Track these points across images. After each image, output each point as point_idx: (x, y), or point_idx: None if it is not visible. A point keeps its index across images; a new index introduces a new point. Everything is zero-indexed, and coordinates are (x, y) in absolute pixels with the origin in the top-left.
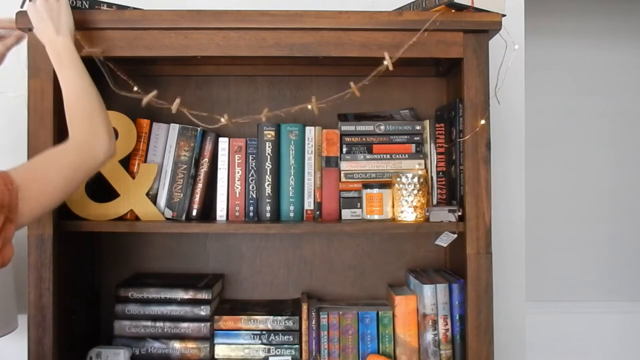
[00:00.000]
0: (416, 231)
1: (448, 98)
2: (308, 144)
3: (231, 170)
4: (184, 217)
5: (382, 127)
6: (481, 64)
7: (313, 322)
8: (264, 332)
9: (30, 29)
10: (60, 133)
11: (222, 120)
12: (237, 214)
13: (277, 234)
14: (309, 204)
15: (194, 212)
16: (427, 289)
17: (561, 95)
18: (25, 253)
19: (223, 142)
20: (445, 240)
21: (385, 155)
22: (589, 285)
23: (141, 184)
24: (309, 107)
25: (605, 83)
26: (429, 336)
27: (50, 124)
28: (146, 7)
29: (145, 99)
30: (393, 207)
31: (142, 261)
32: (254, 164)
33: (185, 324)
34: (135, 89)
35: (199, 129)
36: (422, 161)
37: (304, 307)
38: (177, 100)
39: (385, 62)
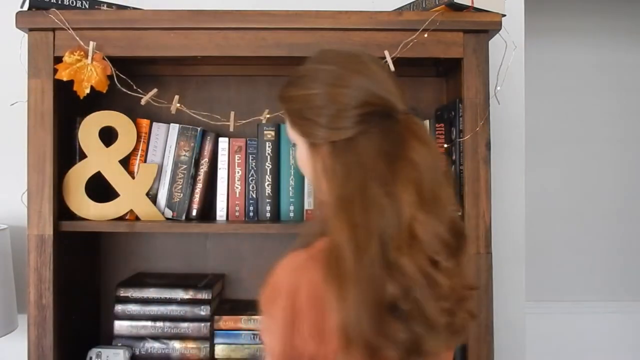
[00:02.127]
0: None
1: (448, 98)
2: None
3: (231, 170)
4: (184, 217)
5: None
6: (481, 64)
7: None
8: None
9: (30, 29)
10: (60, 133)
11: (230, 120)
12: (237, 214)
13: (277, 234)
14: (309, 204)
15: (194, 212)
16: None
17: (561, 95)
18: (25, 253)
19: (223, 142)
20: None
21: None
22: (589, 285)
23: (141, 184)
24: None
25: (605, 83)
26: None
27: (50, 124)
28: (146, 7)
29: (145, 98)
30: None
31: (142, 261)
32: (254, 164)
33: (185, 324)
34: (135, 87)
35: (198, 129)
36: None
37: None
38: (176, 98)
39: (385, 62)
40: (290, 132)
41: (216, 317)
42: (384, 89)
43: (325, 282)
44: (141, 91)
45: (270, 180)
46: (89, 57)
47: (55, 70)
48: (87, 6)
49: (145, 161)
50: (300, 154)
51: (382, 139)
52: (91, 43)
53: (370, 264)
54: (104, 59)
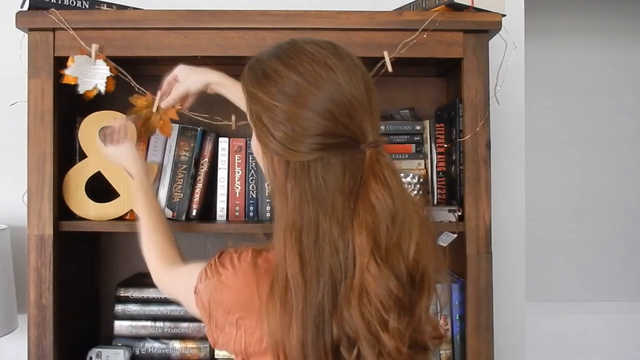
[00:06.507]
0: None
1: (448, 98)
2: None
3: (231, 170)
4: (184, 217)
5: (382, 127)
6: (481, 64)
7: None
8: None
9: (30, 29)
10: (60, 133)
11: (232, 120)
12: (237, 214)
13: None
14: None
15: (194, 212)
16: None
17: (561, 95)
18: (25, 253)
19: (223, 142)
20: (445, 240)
21: None
22: (589, 285)
23: None
24: None
25: (605, 83)
26: None
27: (50, 124)
28: (146, 7)
29: (156, 104)
30: None
31: (142, 261)
32: (254, 164)
33: (185, 324)
34: (134, 86)
35: (199, 129)
36: (422, 161)
37: None
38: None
39: (385, 63)
40: (249, 121)
41: None
42: (352, 112)
43: (271, 302)
44: (141, 91)
45: None
46: (92, 58)
47: (56, 73)
48: (87, 6)
49: (145, 161)
50: (255, 146)
51: (342, 171)
52: (94, 45)
53: (317, 306)
54: (105, 60)
